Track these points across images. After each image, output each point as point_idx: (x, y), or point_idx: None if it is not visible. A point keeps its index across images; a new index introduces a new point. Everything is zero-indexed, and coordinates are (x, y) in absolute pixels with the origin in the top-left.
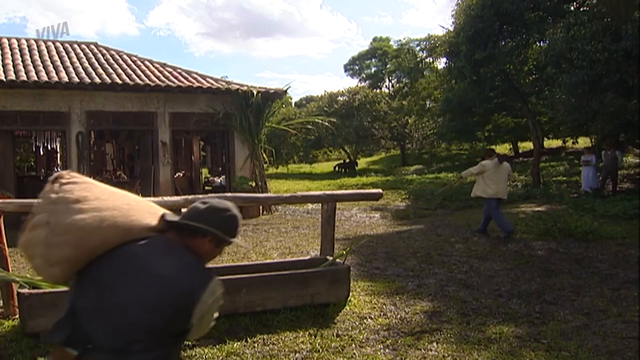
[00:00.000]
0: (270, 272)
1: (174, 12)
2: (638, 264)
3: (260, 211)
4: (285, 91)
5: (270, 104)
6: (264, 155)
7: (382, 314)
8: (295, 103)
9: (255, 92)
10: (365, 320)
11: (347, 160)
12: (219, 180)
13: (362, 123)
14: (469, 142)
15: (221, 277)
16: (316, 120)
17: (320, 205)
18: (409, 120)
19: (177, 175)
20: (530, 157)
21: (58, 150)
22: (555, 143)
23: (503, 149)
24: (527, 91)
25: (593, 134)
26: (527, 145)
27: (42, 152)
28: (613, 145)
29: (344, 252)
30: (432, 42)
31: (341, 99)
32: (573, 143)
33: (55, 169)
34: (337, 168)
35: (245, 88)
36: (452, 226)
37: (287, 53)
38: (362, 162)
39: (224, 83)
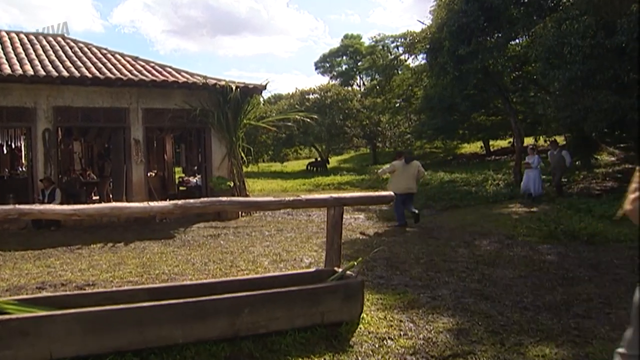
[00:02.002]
0: (274, 289)
1: (139, 9)
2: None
3: (240, 213)
4: (265, 86)
5: (249, 99)
6: (242, 153)
7: (402, 333)
8: (260, 102)
9: (233, 87)
10: (385, 342)
11: (319, 159)
12: (195, 180)
13: (334, 121)
14: (450, 140)
15: (220, 296)
16: (296, 116)
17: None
18: (382, 119)
19: (148, 174)
20: (502, 155)
21: (23, 148)
22: (527, 141)
23: (475, 147)
24: (509, 88)
25: (586, 131)
26: (499, 144)
27: (5, 151)
28: (559, 144)
29: (355, 263)
30: (411, 38)
31: (312, 96)
32: (545, 141)
33: (20, 169)
34: (309, 167)
35: (223, 83)
36: (446, 228)
37: (253, 51)
38: (332, 161)
39: (200, 78)
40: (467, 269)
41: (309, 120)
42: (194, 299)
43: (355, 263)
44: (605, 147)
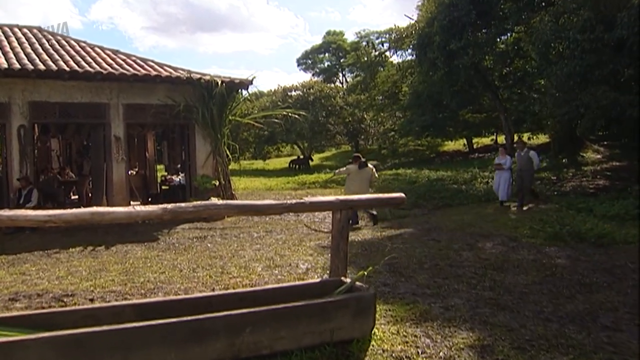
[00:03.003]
0: (277, 303)
1: (118, 5)
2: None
3: None
4: (251, 81)
5: (234, 95)
6: (227, 151)
7: (419, 351)
8: (245, 98)
9: (219, 82)
10: None
11: (301, 156)
12: (178, 179)
13: (317, 118)
14: (439, 137)
15: (218, 314)
16: (284, 112)
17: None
18: (365, 116)
19: (129, 173)
20: (485, 153)
21: None
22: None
23: (458, 144)
24: (498, 85)
25: (582, 129)
26: (482, 141)
27: None
28: (526, 144)
29: (365, 273)
30: (397, 33)
31: (295, 93)
32: (528, 139)
33: None
34: (292, 164)
35: (207, 78)
36: (444, 230)
37: (233, 48)
38: (315, 158)
39: (184, 72)
40: (475, 275)
41: (296, 116)
42: (188, 318)
43: (366, 273)
44: (590, 145)
